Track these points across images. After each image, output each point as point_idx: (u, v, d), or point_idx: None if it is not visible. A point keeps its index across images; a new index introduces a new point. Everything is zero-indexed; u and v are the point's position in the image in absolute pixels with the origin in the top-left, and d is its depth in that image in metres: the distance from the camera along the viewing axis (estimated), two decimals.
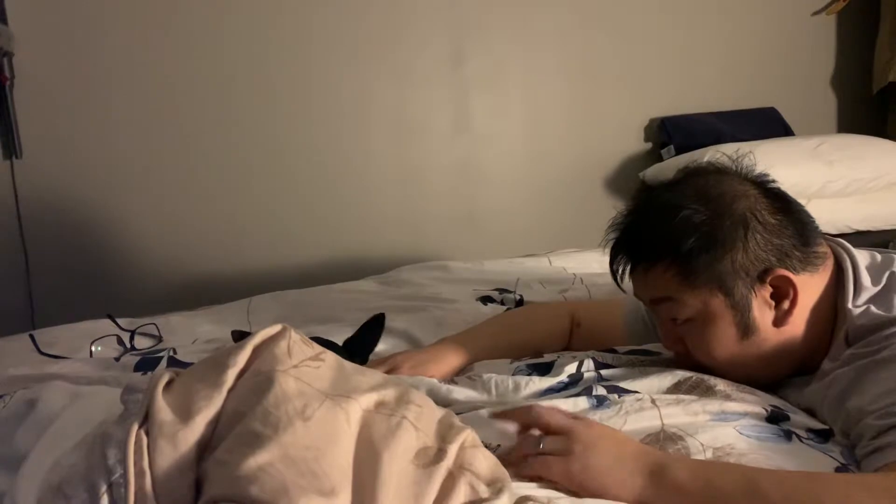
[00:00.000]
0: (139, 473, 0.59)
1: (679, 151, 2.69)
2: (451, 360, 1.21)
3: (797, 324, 0.97)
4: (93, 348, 1.38)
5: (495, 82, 2.64)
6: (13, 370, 1.28)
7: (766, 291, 0.96)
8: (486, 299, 1.49)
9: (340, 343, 1.17)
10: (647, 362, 1.14)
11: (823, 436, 0.90)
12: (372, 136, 2.50)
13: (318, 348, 0.73)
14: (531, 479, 0.81)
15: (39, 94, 2.21)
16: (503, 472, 0.71)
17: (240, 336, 1.14)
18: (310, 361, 0.70)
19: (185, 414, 0.63)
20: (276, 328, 0.72)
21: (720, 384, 0.98)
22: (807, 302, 0.97)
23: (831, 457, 0.85)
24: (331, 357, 0.73)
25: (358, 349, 1.16)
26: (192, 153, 2.35)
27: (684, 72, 2.82)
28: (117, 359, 1.35)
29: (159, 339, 1.48)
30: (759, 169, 1.05)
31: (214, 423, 0.64)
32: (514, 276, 1.62)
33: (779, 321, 0.97)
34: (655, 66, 2.79)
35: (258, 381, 0.66)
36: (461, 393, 1.07)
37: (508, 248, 2.54)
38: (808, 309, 0.97)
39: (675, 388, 1.00)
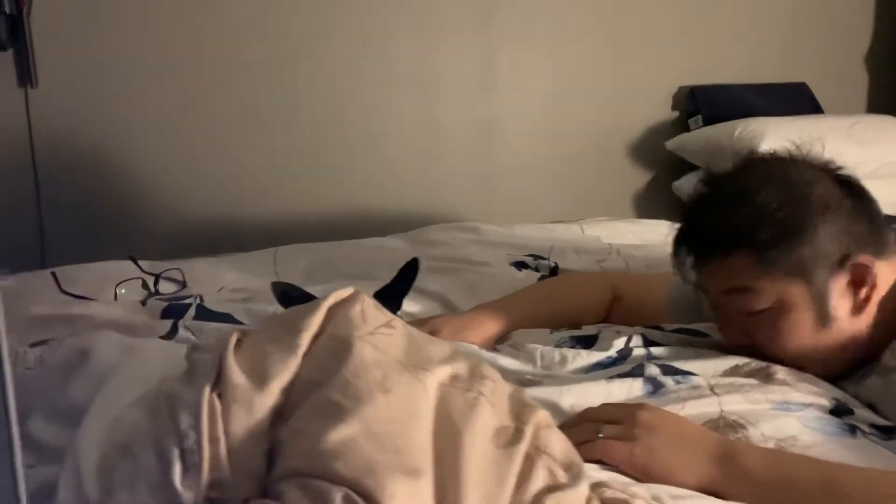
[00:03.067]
0: (213, 440, 0.56)
1: (707, 122, 2.64)
2: (490, 327, 1.18)
3: (871, 313, 0.94)
4: (118, 290, 1.34)
5: (523, 39, 2.55)
6: (35, 308, 1.24)
7: (845, 279, 0.93)
8: (519, 265, 1.46)
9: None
10: (698, 343, 1.11)
11: (887, 432, 0.88)
12: (392, 89, 2.43)
13: (388, 314, 0.69)
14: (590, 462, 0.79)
15: (58, 22, 2.12)
16: (576, 455, 0.68)
17: (282, 289, 1.10)
18: (384, 328, 0.66)
19: (259, 378, 0.60)
20: (348, 290, 0.68)
21: (780, 372, 0.95)
22: (882, 290, 0.94)
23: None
24: (400, 324, 0.70)
25: (391, 295, 1.13)
26: (214, 97, 2.27)
27: (715, 40, 2.75)
28: (143, 302, 1.32)
29: (183, 284, 1.44)
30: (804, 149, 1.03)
31: (289, 390, 0.60)
32: (546, 242, 1.58)
33: (856, 309, 0.94)
34: (686, 32, 2.71)
35: (335, 347, 0.62)
36: (506, 362, 1.04)
37: (528, 212, 2.50)
38: (882, 297, 0.94)
39: (733, 372, 0.97)
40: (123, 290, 1.34)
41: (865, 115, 2.79)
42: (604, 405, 0.88)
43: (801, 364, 0.96)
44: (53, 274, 1.39)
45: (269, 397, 0.59)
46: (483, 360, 0.89)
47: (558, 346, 1.12)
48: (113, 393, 0.65)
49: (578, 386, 0.93)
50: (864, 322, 0.95)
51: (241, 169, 2.30)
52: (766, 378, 0.95)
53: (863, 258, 0.92)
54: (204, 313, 1.23)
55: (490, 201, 2.54)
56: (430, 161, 2.48)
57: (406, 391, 0.60)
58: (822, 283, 0.93)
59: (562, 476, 0.64)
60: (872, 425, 0.89)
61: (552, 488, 0.62)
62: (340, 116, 2.37)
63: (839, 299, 0.94)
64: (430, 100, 2.48)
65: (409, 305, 1.29)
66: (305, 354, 0.62)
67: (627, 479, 0.76)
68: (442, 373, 0.65)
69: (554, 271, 1.44)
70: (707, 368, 0.98)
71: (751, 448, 0.79)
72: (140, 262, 1.50)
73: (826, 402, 0.91)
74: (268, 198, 2.33)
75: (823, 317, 0.94)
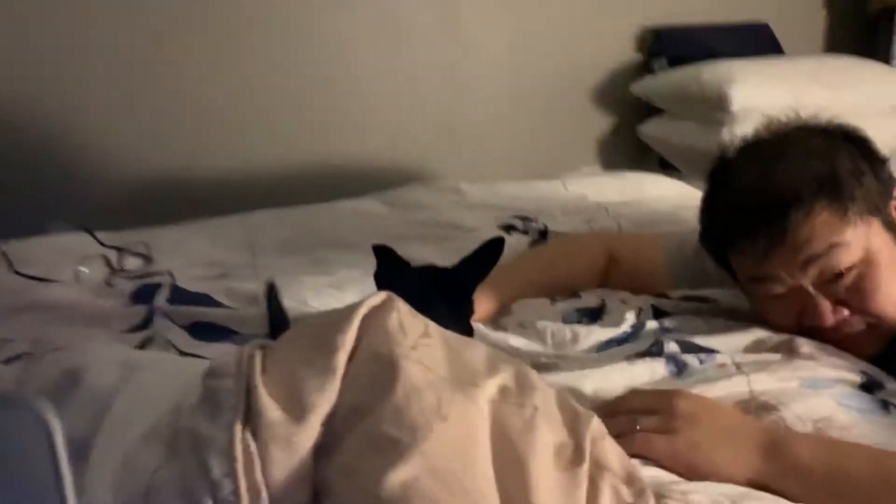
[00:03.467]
0: (252, 489, 0.48)
1: (671, 64, 2.59)
2: (489, 301, 1.11)
3: None
4: (80, 269, 1.23)
5: None
6: None
7: (893, 207, 0.95)
8: (509, 228, 1.40)
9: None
10: (707, 311, 1.08)
11: None
12: (355, 34, 2.30)
13: (423, 319, 0.62)
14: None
15: None
16: (632, 465, 0.63)
17: (271, 293, 1.01)
18: (423, 339, 0.59)
19: (296, 410, 0.52)
20: (381, 296, 0.61)
21: (805, 345, 0.92)
22: None
23: None
24: (435, 329, 0.63)
25: (463, 281, 0.92)
26: (167, 43, 2.10)
27: None
28: (108, 283, 1.21)
29: (149, 259, 1.33)
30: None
31: (330, 420, 0.53)
32: (532, 202, 1.52)
33: None
34: None
35: (379, 367, 0.55)
36: (517, 342, 0.99)
37: (493, 160, 2.44)
38: None
39: (756, 347, 0.94)
40: (86, 270, 1.23)
41: (827, 55, 2.78)
42: (636, 392, 0.83)
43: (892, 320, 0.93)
44: (3, 252, 1.27)
45: (311, 432, 0.51)
46: (498, 348, 0.83)
47: (566, 321, 1.07)
48: (119, 426, 0.57)
49: (600, 370, 0.89)
50: None
51: (196, 123, 2.15)
52: (790, 352, 0.92)
53: None
54: (179, 295, 1.14)
55: (455, 150, 2.45)
56: (394, 110, 2.37)
57: (463, 416, 0.54)
58: (891, 218, 0.93)
59: (626, 494, 0.59)
60: None
61: None
62: (302, 64, 2.24)
63: None
64: (394, 46, 2.36)
65: None
66: (344, 377, 0.55)
67: (673, 477, 0.72)
68: (491, 387, 0.58)
69: (544, 234, 1.39)
70: (729, 344, 0.94)
71: (799, 438, 0.75)
72: (97, 234, 1.38)
73: (855, 377, 0.88)
74: (226, 152, 2.20)
75: None
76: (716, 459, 0.73)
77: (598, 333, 1.01)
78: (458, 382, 0.57)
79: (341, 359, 0.55)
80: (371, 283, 1.19)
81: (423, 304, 0.67)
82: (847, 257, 0.90)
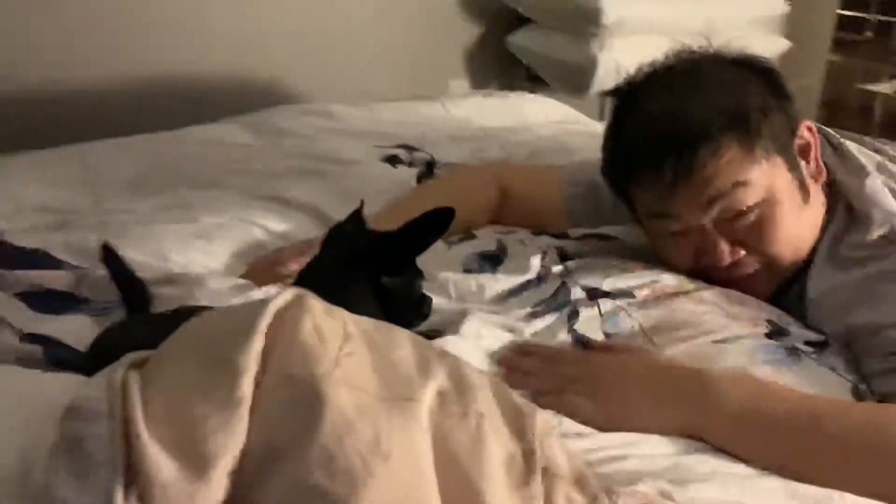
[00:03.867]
0: None
1: None
2: None
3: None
4: None
5: None
6: None
7: (796, 145, 0.92)
8: (393, 160, 1.28)
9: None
10: (609, 249, 1.03)
11: (821, 346, 0.86)
12: None
13: (338, 314, 0.51)
14: None
15: None
16: (581, 463, 0.57)
17: (109, 257, 0.85)
18: (345, 346, 0.48)
19: (195, 460, 0.40)
20: (287, 295, 0.49)
21: (706, 293, 0.90)
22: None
23: (842, 376, 0.81)
24: (352, 325, 0.52)
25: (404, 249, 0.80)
26: None
27: None
28: None
29: None
30: None
31: (238, 468, 0.42)
32: (413, 127, 1.40)
33: (813, 173, 0.92)
34: None
35: (295, 394, 0.44)
36: None
37: (352, 76, 2.27)
38: None
39: (659, 292, 0.91)
40: None
41: None
42: (561, 350, 0.81)
43: (794, 256, 0.91)
44: None
45: (216, 490, 0.40)
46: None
47: (467, 269, 0.99)
48: None
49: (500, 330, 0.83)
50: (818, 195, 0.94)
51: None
52: (697, 301, 0.90)
53: (804, 121, 0.92)
54: (14, 255, 0.95)
55: (311, 63, 2.24)
56: (238, 18, 2.11)
57: (406, 447, 0.44)
58: (794, 157, 0.90)
59: (580, 501, 0.52)
60: (808, 343, 0.86)
61: None
62: None
63: (802, 167, 0.91)
64: None
65: (276, 223, 1.08)
66: (252, 409, 0.43)
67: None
68: (428, 395, 0.49)
69: (431, 165, 1.28)
70: (633, 288, 0.90)
71: (723, 382, 0.74)
72: None
73: (762, 329, 0.87)
74: (40, 70, 1.88)
75: (804, 191, 0.91)
76: (638, 416, 0.72)
77: (503, 282, 0.94)
78: (394, 399, 0.47)
79: (247, 386, 0.43)
80: (243, 232, 1.06)
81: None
82: (750, 196, 0.87)
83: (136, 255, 0.95)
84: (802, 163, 0.92)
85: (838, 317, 0.87)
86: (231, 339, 0.46)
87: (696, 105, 0.88)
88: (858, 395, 0.80)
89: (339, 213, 1.10)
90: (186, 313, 0.76)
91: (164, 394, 0.44)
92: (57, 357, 0.76)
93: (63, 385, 0.51)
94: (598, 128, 1.58)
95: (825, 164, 0.95)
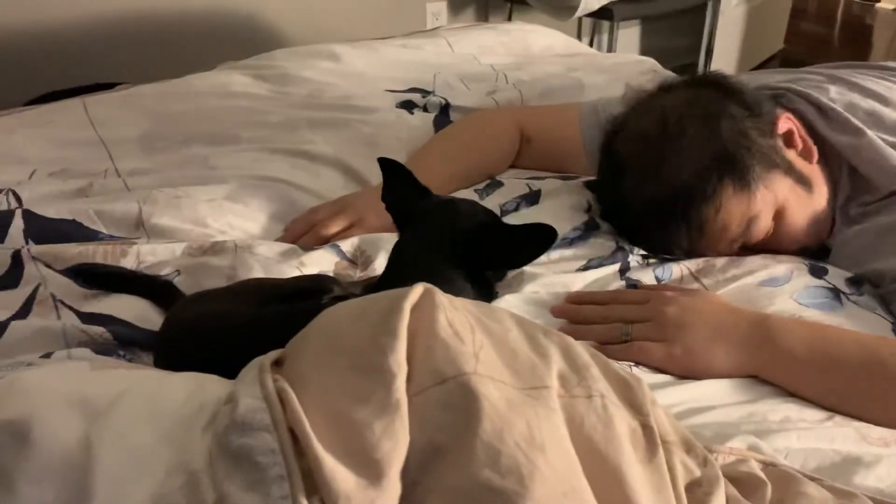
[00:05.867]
0: None
1: None
2: None
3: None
4: None
5: None
6: None
7: (780, 142, 0.93)
8: (408, 105, 1.25)
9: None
10: None
11: (858, 284, 0.90)
12: None
13: (461, 307, 0.51)
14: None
15: None
16: (681, 426, 0.59)
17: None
18: (475, 338, 0.49)
19: (368, 467, 0.41)
20: (417, 290, 0.49)
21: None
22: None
23: (883, 317, 0.85)
24: (472, 316, 0.52)
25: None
26: None
27: None
28: None
29: None
30: None
31: (405, 470, 0.43)
32: (422, 68, 1.36)
33: (805, 154, 0.94)
34: None
35: (448, 394, 0.44)
36: None
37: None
38: None
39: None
40: None
41: None
42: (619, 296, 0.84)
43: (815, 240, 0.95)
44: None
45: (392, 496, 0.41)
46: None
47: (505, 212, 1.01)
48: (105, 500, 0.43)
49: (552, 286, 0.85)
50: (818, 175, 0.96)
51: None
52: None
53: (778, 112, 0.95)
54: (37, 222, 0.92)
55: None
56: None
57: (554, 436, 0.46)
58: (784, 158, 0.92)
59: (693, 466, 0.55)
60: (847, 280, 0.90)
61: (693, 486, 0.53)
62: None
63: (794, 160, 0.93)
64: None
65: (306, 180, 1.06)
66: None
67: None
68: (554, 379, 0.50)
69: (445, 109, 1.26)
70: None
71: (787, 325, 0.77)
72: None
73: (804, 267, 0.90)
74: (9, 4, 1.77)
75: (805, 184, 0.93)
76: (710, 360, 0.76)
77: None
78: (529, 388, 0.48)
79: (401, 388, 0.44)
80: (276, 192, 1.03)
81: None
82: (764, 220, 0.91)
83: (174, 223, 0.94)
84: (792, 152, 0.93)
85: (858, 264, 0.91)
86: (373, 342, 0.46)
87: (684, 165, 0.89)
88: None
89: (365, 167, 1.09)
90: (256, 289, 0.75)
91: (318, 401, 0.44)
92: (125, 338, 0.75)
93: (186, 388, 0.50)
94: (600, 58, 1.57)
95: (813, 130, 0.97)
